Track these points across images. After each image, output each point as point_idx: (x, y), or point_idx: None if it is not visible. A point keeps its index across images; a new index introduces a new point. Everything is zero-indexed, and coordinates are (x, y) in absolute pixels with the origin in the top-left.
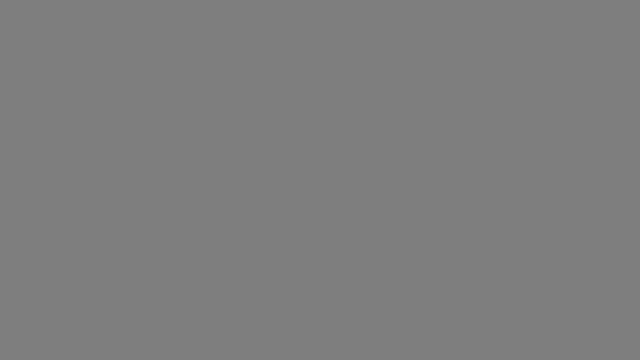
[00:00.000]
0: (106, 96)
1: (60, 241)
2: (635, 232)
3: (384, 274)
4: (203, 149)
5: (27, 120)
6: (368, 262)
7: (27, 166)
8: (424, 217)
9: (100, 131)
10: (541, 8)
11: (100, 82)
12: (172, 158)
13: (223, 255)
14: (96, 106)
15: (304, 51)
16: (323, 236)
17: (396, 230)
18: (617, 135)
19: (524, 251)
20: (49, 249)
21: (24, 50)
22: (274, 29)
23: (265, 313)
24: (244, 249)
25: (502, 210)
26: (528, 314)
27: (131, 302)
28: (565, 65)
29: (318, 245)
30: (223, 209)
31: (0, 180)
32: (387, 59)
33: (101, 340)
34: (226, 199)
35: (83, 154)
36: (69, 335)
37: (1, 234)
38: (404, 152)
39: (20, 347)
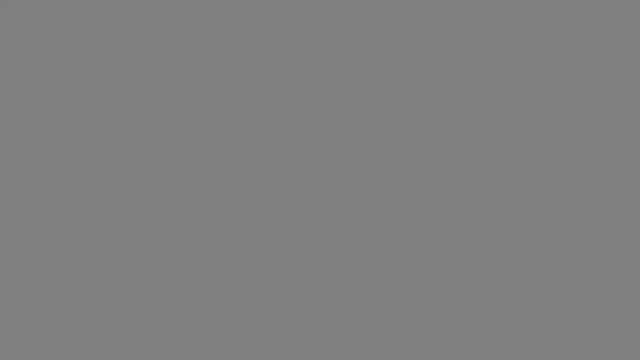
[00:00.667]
0: (106, 96)
1: (60, 241)
2: (635, 232)
3: (384, 274)
4: (203, 149)
5: (27, 120)
6: (368, 263)
7: (27, 166)
8: (424, 218)
9: (100, 131)
10: (541, 8)
11: (100, 82)
12: (172, 158)
13: (223, 255)
14: (96, 106)
15: (303, 51)
16: (323, 237)
17: (396, 231)
18: (617, 135)
19: (524, 251)
20: (49, 249)
21: (24, 50)
22: (274, 29)
23: (266, 313)
24: (243, 250)
25: (502, 211)
26: (528, 314)
27: (131, 302)
28: (565, 65)
29: (318, 246)
30: (223, 209)
31: (0, 180)
32: (387, 59)
33: (101, 340)
34: (226, 200)
35: (83, 154)
36: (69, 335)
37: (1, 234)
38: (403, 152)
39: (20, 347)
